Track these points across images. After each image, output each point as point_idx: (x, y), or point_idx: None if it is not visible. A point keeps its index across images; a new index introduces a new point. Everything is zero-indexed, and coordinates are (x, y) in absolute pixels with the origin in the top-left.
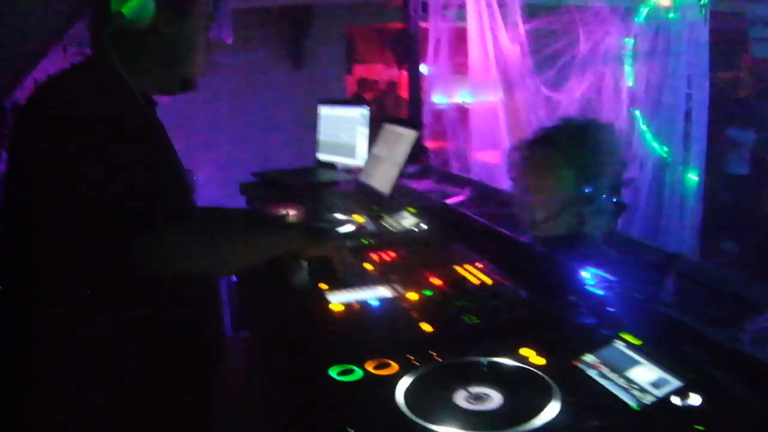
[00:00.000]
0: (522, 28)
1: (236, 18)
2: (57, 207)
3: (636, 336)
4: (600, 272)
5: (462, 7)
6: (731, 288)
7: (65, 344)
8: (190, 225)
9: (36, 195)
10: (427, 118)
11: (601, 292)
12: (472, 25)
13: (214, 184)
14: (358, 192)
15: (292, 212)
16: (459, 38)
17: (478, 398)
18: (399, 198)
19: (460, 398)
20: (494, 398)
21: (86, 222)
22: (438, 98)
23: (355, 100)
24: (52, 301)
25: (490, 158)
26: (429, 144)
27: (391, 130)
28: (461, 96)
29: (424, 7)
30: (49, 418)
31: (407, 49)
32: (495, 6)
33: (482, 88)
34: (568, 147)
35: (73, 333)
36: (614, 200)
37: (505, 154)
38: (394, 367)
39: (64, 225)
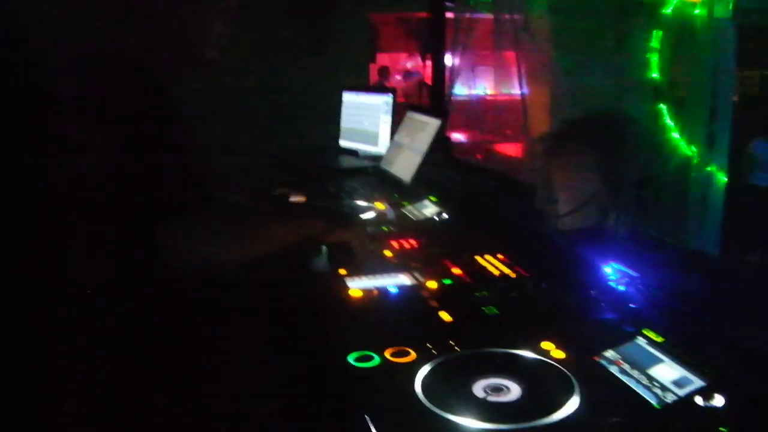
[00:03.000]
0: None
1: (259, 3)
2: (79, 197)
3: (658, 332)
4: (622, 267)
5: None
6: (754, 288)
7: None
8: (214, 213)
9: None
10: (449, 108)
11: (622, 288)
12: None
13: (235, 168)
14: (379, 179)
15: (298, 198)
16: (483, 29)
17: (497, 390)
18: (420, 186)
19: (479, 389)
20: (513, 391)
21: (111, 212)
22: (458, 89)
23: (378, 88)
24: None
25: (512, 150)
26: (451, 135)
27: (415, 118)
28: (483, 87)
29: None
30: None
31: (432, 38)
32: None
33: (505, 79)
34: (593, 139)
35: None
36: (638, 195)
37: (528, 147)
38: (413, 355)
39: (88, 216)
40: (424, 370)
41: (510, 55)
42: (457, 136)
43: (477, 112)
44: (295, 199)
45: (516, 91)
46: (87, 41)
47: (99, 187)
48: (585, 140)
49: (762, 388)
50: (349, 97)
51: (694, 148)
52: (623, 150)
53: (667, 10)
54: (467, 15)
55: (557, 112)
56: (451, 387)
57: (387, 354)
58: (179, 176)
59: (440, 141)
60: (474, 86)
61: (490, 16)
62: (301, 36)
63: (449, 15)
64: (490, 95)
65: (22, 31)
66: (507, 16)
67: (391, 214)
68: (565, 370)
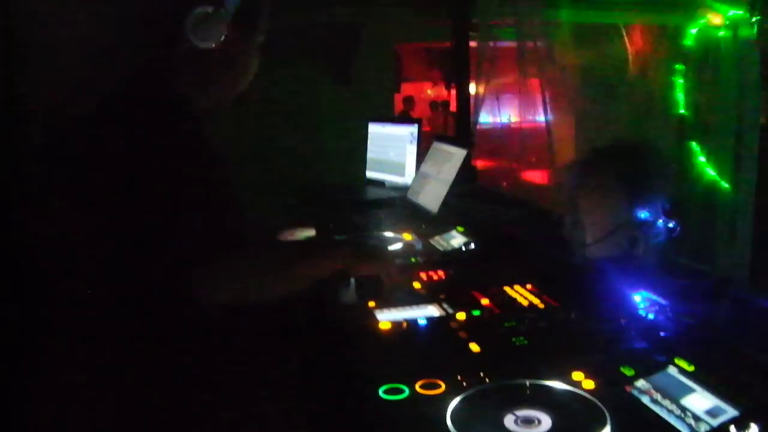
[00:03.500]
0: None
1: (285, 34)
2: (107, 234)
3: (689, 361)
4: (652, 296)
5: (511, 26)
6: None
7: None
8: (243, 253)
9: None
10: (474, 137)
11: (653, 316)
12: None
13: (261, 200)
14: (406, 210)
15: (306, 233)
16: (507, 57)
17: (528, 422)
18: (448, 217)
19: (509, 421)
20: (544, 422)
21: (143, 251)
22: (484, 118)
23: (404, 118)
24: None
25: (538, 178)
26: (477, 163)
27: (441, 148)
28: (508, 115)
29: (474, 27)
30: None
31: (456, 67)
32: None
33: (530, 107)
34: (621, 168)
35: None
36: (666, 222)
37: (556, 175)
38: (442, 387)
39: (119, 254)
40: (455, 401)
41: (534, 82)
42: (483, 164)
43: (502, 140)
44: (305, 234)
45: (541, 118)
46: (128, 78)
47: (136, 226)
48: (612, 168)
49: None
50: (374, 128)
51: (719, 175)
52: (649, 177)
53: (689, 40)
54: (491, 44)
55: (582, 138)
56: (482, 419)
57: (417, 386)
58: (212, 214)
59: (466, 170)
60: (499, 114)
61: (513, 44)
62: (328, 68)
63: (473, 44)
64: (515, 123)
65: (69, 61)
66: (531, 44)
67: (418, 245)
68: (596, 401)
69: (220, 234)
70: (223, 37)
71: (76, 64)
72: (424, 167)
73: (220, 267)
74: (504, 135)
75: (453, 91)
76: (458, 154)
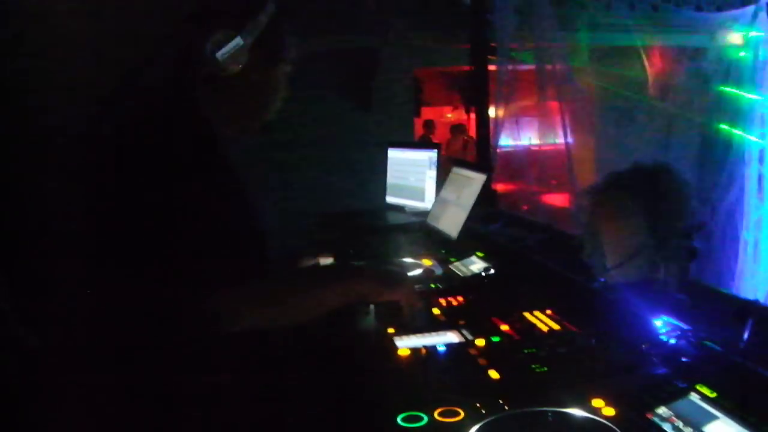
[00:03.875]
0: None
1: (305, 60)
2: (129, 260)
3: (712, 388)
4: (673, 320)
5: (529, 49)
6: None
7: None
8: (264, 279)
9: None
10: (495, 160)
11: (674, 341)
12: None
13: (280, 227)
14: (426, 235)
15: (326, 259)
16: (526, 81)
17: None
18: (467, 242)
19: None
20: None
21: (160, 278)
22: (504, 140)
23: (423, 143)
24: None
25: (559, 201)
26: (497, 186)
27: (460, 173)
28: (528, 138)
29: (492, 51)
30: None
31: (476, 91)
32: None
33: (550, 130)
34: (640, 192)
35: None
36: (687, 246)
37: (576, 199)
38: (461, 414)
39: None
40: (473, 430)
41: (554, 105)
42: (503, 188)
43: (522, 163)
44: (324, 261)
45: (560, 140)
46: (147, 99)
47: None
48: (630, 191)
49: None
50: (394, 153)
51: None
52: (669, 201)
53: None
54: (510, 67)
55: (603, 161)
56: None
57: (435, 414)
58: (234, 240)
59: (486, 194)
60: (519, 137)
61: (532, 67)
62: (347, 93)
63: (492, 67)
64: (535, 146)
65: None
66: (549, 67)
67: (438, 271)
68: (616, 429)
69: (242, 260)
70: (244, 62)
71: (96, 83)
72: (443, 192)
73: (242, 293)
74: (524, 158)
75: (472, 115)
76: (478, 179)
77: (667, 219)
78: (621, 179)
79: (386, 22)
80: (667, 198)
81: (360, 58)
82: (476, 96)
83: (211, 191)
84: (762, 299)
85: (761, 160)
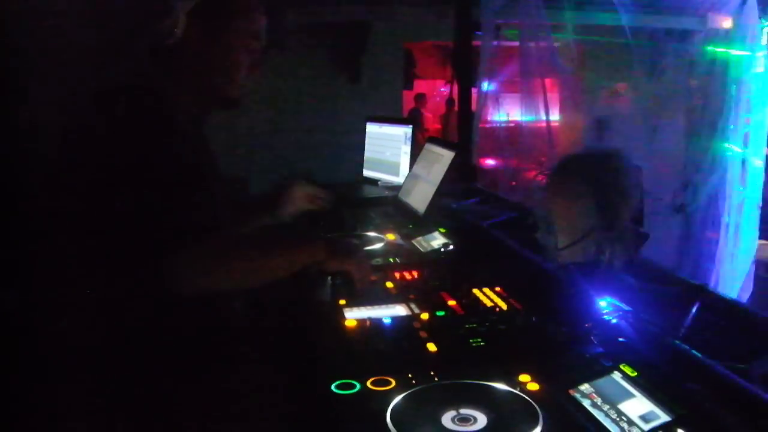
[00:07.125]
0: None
1: (294, 33)
2: (84, 224)
3: (636, 367)
4: (616, 301)
5: (514, 26)
6: (753, 323)
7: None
8: (216, 242)
9: (61, 210)
10: (477, 136)
11: (614, 321)
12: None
13: (256, 198)
14: (395, 210)
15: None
16: (510, 57)
17: (464, 420)
18: (434, 218)
19: (447, 419)
20: (480, 421)
21: (114, 240)
22: (498, 116)
23: (400, 119)
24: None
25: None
26: (486, 162)
27: (432, 149)
28: (506, 114)
29: (477, 26)
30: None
31: (459, 67)
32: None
33: (533, 107)
34: (591, 175)
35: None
36: (634, 230)
37: (533, 178)
38: (392, 384)
39: (91, 243)
40: (397, 398)
41: (538, 82)
42: (489, 163)
43: (506, 139)
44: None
45: (543, 117)
46: (114, 77)
47: (116, 216)
48: (582, 175)
49: (729, 423)
50: (372, 128)
51: None
52: (618, 185)
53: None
54: (495, 43)
55: (590, 140)
56: (421, 416)
57: (368, 383)
58: (190, 205)
59: (463, 170)
60: (502, 113)
61: (517, 43)
62: (335, 65)
63: (476, 43)
64: (518, 122)
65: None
66: (534, 44)
67: (401, 245)
68: (533, 403)
69: (194, 221)
70: (179, 32)
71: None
72: (416, 168)
73: (194, 254)
74: (508, 134)
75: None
76: (447, 155)
77: (615, 203)
78: (573, 162)
79: None
80: (616, 182)
81: (348, 31)
82: (460, 72)
83: (162, 154)
84: (740, 283)
85: (745, 143)
